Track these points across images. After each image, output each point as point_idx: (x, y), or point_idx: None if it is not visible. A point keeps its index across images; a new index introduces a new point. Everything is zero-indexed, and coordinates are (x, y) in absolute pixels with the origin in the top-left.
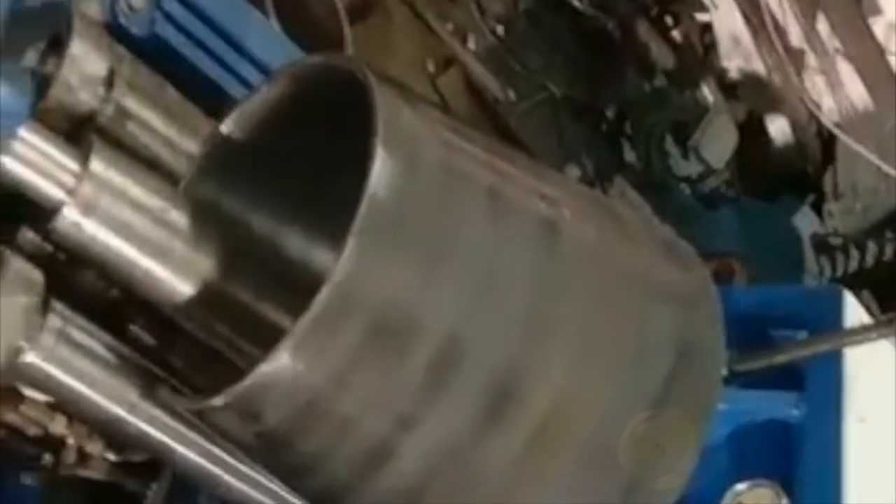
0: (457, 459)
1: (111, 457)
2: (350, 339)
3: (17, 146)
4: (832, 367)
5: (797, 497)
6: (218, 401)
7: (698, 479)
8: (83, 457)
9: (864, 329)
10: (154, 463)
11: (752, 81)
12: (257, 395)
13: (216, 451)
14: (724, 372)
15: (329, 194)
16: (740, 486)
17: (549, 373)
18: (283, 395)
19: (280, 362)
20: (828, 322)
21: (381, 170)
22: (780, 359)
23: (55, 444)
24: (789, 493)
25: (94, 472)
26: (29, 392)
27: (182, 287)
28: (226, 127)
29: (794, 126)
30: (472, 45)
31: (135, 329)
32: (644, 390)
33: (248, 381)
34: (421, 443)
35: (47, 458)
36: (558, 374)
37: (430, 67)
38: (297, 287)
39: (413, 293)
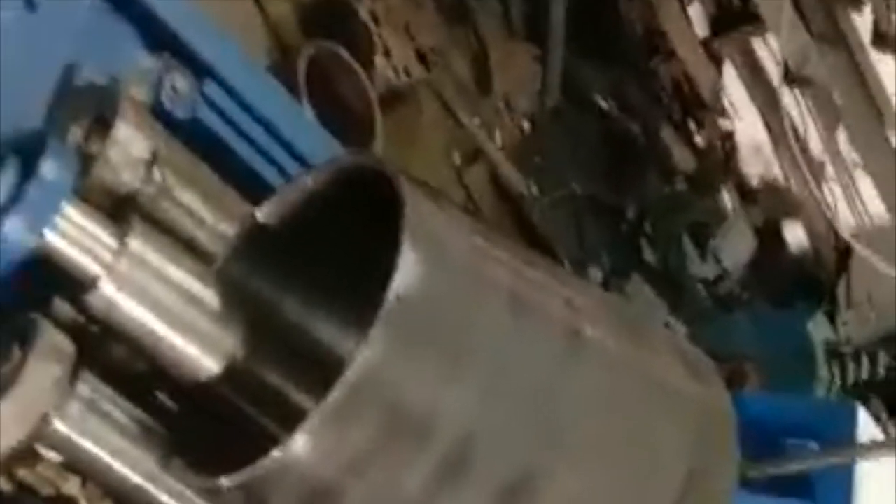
0: None
1: None
2: (364, 433)
3: (60, 221)
4: (843, 478)
5: None
6: (226, 482)
7: None
8: None
9: (876, 444)
10: None
11: (771, 188)
12: (267, 481)
13: None
14: (736, 478)
15: (358, 284)
16: None
17: (559, 479)
18: (293, 483)
19: (292, 451)
20: (840, 434)
21: (406, 269)
22: (792, 468)
23: None
24: None
25: None
26: (45, 452)
27: (209, 364)
28: (261, 213)
29: (811, 234)
30: (498, 139)
31: (160, 401)
32: (657, 502)
33: (259, 466)
34: None
35: None
36: (568, 482)
37: (457, 159)
38: (322, 372)
39: (430, 391)
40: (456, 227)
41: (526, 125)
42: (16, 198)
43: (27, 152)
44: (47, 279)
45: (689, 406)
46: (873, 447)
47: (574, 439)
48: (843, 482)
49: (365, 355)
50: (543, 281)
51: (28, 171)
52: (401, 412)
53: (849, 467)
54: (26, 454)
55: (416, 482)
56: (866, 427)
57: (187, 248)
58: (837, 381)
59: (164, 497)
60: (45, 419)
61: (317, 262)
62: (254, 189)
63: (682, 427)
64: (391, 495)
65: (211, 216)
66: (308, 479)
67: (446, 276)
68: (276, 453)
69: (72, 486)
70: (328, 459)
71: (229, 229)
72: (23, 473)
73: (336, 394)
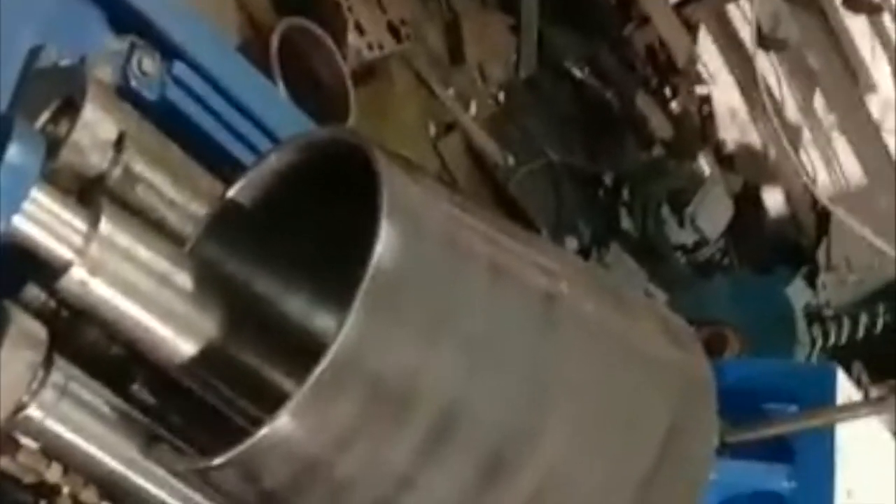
0: None
1: None
2: (350, 406)
3: (28, 206)
4: (823, 441)
5: None
6: (217, 461)
7: None
8: None
9: (855, 406)
10: None
11: (748, 154)
12: (256, 457)
13: None
14: (716, 443)
15: (334, 260)
16: None
17: (542, 444)
18: (283, 458)
19: (280, 426)
20: (820, 397)
21: (385, 243)
22: (772, 432)
23: (50, 492)
24: None
25: None
26: (25, 440)
27: (185, 347)
28: (233, 191)
29: (789, 198)
30: (473, 110)
31: (136, 387)
32: (636, 466)
33: (248, 443)
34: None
35: None
36: (552, 445)
37: (432, 131)
38: (301, 350)
39: (413, 363)
40: (432, 198)
41: (501, 95)
42: None
43: None
44: (18, 266)
45: (668, 371)
46: (852, 409)
47: (556, 404)
48: (824, 445)
49: (347, 330)
50: (521, 249)
51: None
52: (385, 385)
53: (829, 430)
54: (6, 442)
55: (402, 453)
56: (845, 389)
57: (159, 229)
58: (819, 344)
59: (144, 482)
60: (19, 406)
61: (292, 239)
62: (227, 169)
63: (662, 391)
64: (379, 467)
65: (182, 197)
66: (296, 455)
67: (425, 247)
68: (264, 430)
69: (54, 473)
70: (315, 434)
71: (201, 209)
72: (4, 462)
73: (320, 369)
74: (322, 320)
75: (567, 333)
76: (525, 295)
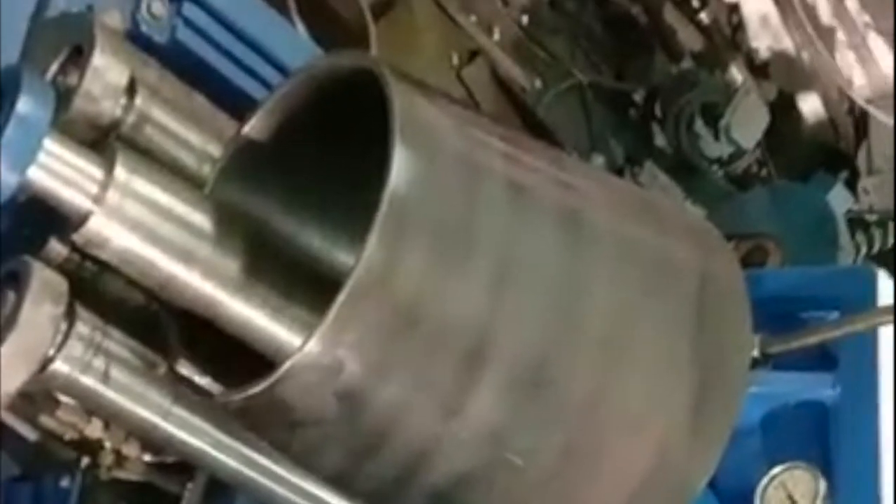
0: (498, 446)
1: (147, 458)
2: (378, 332)
3: (42, 157)
4: (865, 346)
5: (835, 478)
6: (253, 390)
7: (734, 464)
8: (120, 459)
9: None
10: (190, 463)
11: (782, 60)
12: (290, 385)
13: (252, 454)
14: (757, 355)
15: (351, 194)
16: (776, 470)
17: (578, 363)
18: (316, 385)
19: (311, 350)
20: (861, 302)
21: (400, 163)
22: (813, 339)
23: (92, 447)
24: (827, 474)
25: (131, 474)
26: (64, 397)
27: (207, 289)
28: (247, 129)
29: (826, 103)
30: (496, 35)
31: (160, 334)
32: (675, 380)
33: (280, 371)
34: (461, 432)
35: (85, 460)
36: (587, 363)
37: (455, 60)
38: (320, 288)
39: (435, 284)
40: (447, 117)
41: (524, 18)
42: None
43: (3, 91)
44: (38, 221)
45: (698, 282)
46: (894, 311)
47: (586, 321)
48: (866, 350)
49: (368, 254)
50: (541, 165)
51: (5, 109)
52: (410, 308)
53: (871, 334)
54: (44, 399)
55: (440, 380)
56: (887, 292)
57: (176, 173)
58: (864, 250)
59: (177, 431)
60: (46, 360)
61: (308, 175)
62: (244, 110)
63: (692, 303)
64: (418, 395)
65: (198, 139)
66: (329, 380)
67: (441, 166)
68: (297, 355)
69: (94, 428)
70: (347, 362)
71: (218, 151)
72: (44, 420)
73: (345, 292)
74: (342, 256)
75: (590, 246)
76: (547, 211)
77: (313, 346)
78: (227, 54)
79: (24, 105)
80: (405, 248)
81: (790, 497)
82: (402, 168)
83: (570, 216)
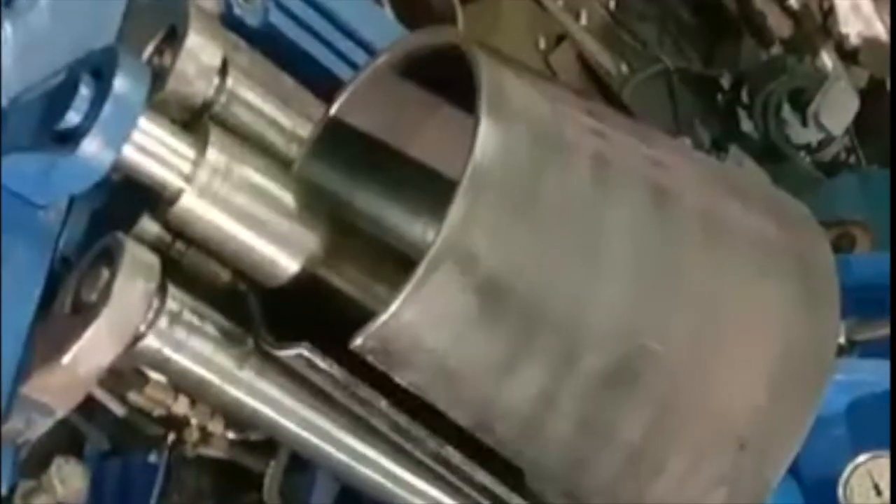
0: (588, 430)
1: (231, 435)
2: (459, 296)
3: (137, 136)
4: None
5: None
6: (358, 340)
7: (818, 451)
8: (205, 436)
9: None
10: (272, 441)
11: (872, 47)
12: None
13: (336, 432)
14: (844, 341)
15: (433, 174)
16: (861, 458)
17: (666, 339)
18: (407, 343)
19: (398, 312)
20: None
21: (486, 133)
22: None
23: (178, 424)
24: None
25: (215, 451)
26: (153, 374)
27: (294, 267)
28: (334, 109)
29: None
30: (583, 20)
31: (246, 312)
32: (759, 365)
33: (379, 322)
34: (559, 411)
35: (171, 437)
36: (675, 340)
37: (542, 44)
38: (405, 267)
39: (517, 255)
40: (535, 92)
41: (612, 3)
42: (91, 116)
43: (100, 70)
44: (132, 199)
45: (787, 261)
46: None
47: (670, 301)
48: None
49: (451, 221)
50: (628, 141)
51: (102, 88)
52: (494, 284)
53: None
54: (133, 376)
55: (529, 353)
56: None
57: (265, 153)
58: None
59: (261, 406)
60: (137, 336)
61: (392, 154)
62: (332, 91)
63: (780, 284)
64: (506, 365)
65: (286, 119)
66: (413, 343)
67: (526, 138)
68: (391, 308)
69: (181, 405)
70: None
71: (305, 131)
72: (133, 396)
73: (432, 253)
74: (425, 234)
75: (677, 225)
76: (634, 187)
77: (399, 305)
78: (318, 37)
79: (120, 84)
80: (486, 216)
81: (875, 485)
82: (488, 138)
83: (657, 193)
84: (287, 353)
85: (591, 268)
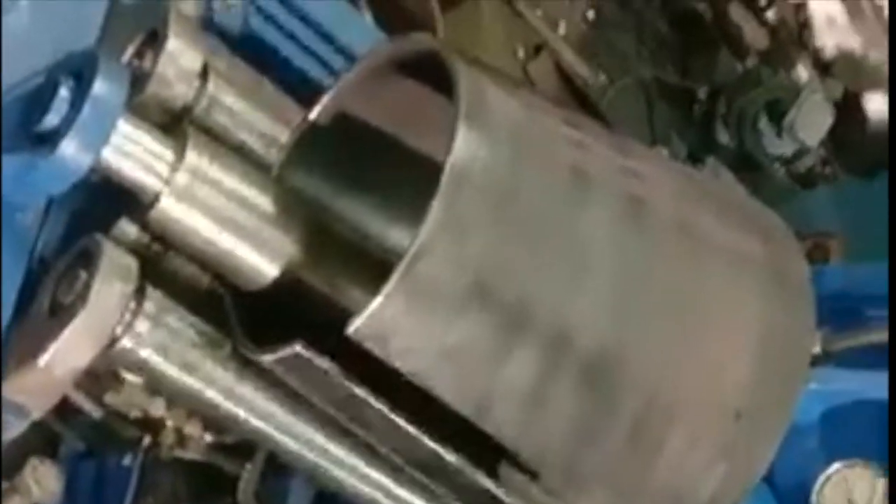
0: (576, 439)
1: (207, 438)
2: (455, 279)
3: (116, 138)
4: None
5: (894, 477)
6: (354, 326)
7: (792, 460)
8: (181, 438)
9: None
10: (248, 444)
11: (847, 59)
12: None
13: (315, 436)
14: (818, 351)
15: (411, 179)
16: (835, 467)
17: (639, 352)
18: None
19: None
20: None
21: (464, 136)
22: (875, 338)
23: (154, 426)
24: (886, 473)
25: (191, 454)
26: (129, 375)
27: (272, 271)
28: (313, 114)
29: (892, 102)
30: (562, 30)
31: (224, 315)
32: (734, 373)
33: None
34: (557, 392)
35: (147, 439)
36: (649, 352)
37: (521, 54)
38: (383, 271)
39: (493, 262)
40: (513, 100)
41: (590, 14)
42: (70, 118)
43: (80, 73)
44: (109, 202)
45: (762, 271)
46: None
47: (647, 310)
48: None
49: (432, 220)
50: (605, 151)
51: (82, 91)
52: (485, 289)
53: None
54: (110, 378)
55: (514, 359)
56: None
57: (244, 157)
58: None
59: (241, 412)
60: (113, 338)
61: (372, 159)
62: (311, 96)
63: (756, 293)
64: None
65: (266, 124)
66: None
67: (503, 146)
68: (377, 299)
69: (157, 407)
70: (411, 323)
71: (284, 136)
72: (109, 397)
73: (398, 271)
74: (404, 239)
75: (653, 235)
76: (610, 197)
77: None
78: (298, 42)
79: (100, 87)
80: (465, 224)
81: (848, 494)
82: (466, 140)
83: (634, 203)
84: (278, 356)
85: (572, 264)
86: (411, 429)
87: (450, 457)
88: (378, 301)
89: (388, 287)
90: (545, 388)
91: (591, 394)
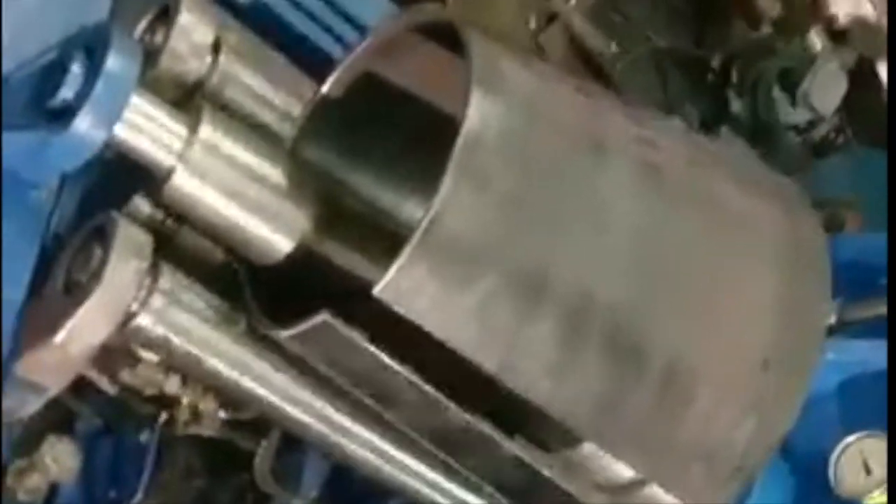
0: (603, 398)
1: (222, 414)
2: (447, 274)
3: (129, 113)
4: None
5: (893, 449)
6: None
7: (809, 430)
8: (196, 415)
9: None
10: (264, 420)
11: (861, 27)
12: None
13: (330, 412)
14: (834, 321)
15: (424, 153)
16: (852, 437)
17: (661, 321)
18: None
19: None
20: None
21: (477, 103)
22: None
23: (170, 403)
24: None
25: (206, 430)
26: (144, 353)
27: (285, 245)
28: (325, 87)
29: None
30: (573, 0)
31: (238, 290)
32: (753, 343)
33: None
34: (565, 390)
35: (163, 416)
36: (671, 321)
37: (532, 24)
38: (395, 244)
39: (503, 232)
40: (526, 70)
41: None
42: (84, 94)
43: (92, 48)
44: (124, 178)
45: (780, 239)
46: None
47: (667, 269)
48: None
49: (449, 180)
50: (620, 120)
51: (94, 66)
52: (505, 248)
53: None
54: (125, 355)
55: (534, 329)
56: None
57: (257, 131)
58: None
59: (255, 386)
60: (129, 315)
61: (385, 132)
62: (323, 69)
63: (773, 261)
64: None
65: (278, 98)
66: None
67: (518, 115)
68: (391, 270)
69: (172, 384)
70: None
71: (297, 109)
72: (125, 375)
73: (420, 229)
74: (416, 213)
75: (673, 202)
76: (627, 165)
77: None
78: (310, 15)
79: (112, 62)
80: (478, 193)
81: (865, 464)
82: (479, 106)
83: (650, 171)
84: (303, 328)
85: (590, 225)
86: (440, 396)
87: (479, 424)
88: (402, 260)
89: (411, 246)
90: (569, 346)
91: (616, 352)
